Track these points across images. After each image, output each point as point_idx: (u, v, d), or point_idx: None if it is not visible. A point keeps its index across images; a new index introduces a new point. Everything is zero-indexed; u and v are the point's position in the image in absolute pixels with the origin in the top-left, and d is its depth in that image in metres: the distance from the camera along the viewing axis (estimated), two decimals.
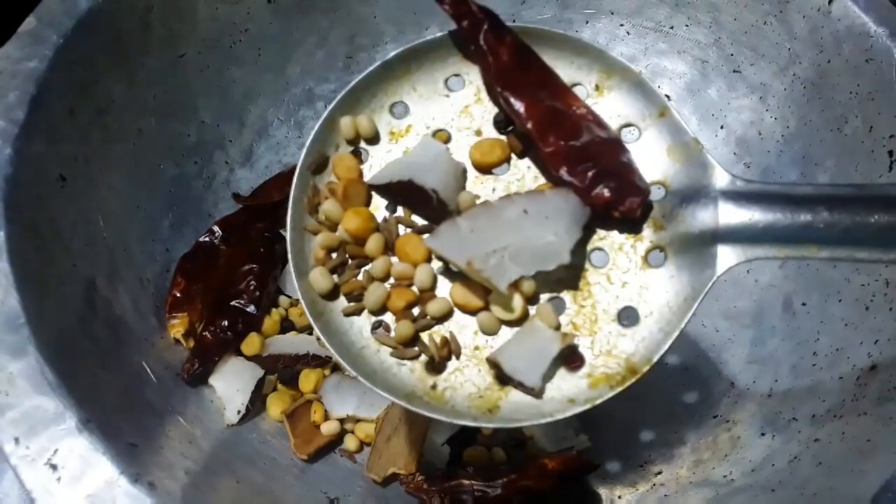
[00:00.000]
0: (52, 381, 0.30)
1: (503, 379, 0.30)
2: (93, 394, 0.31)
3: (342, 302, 0.31)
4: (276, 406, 0.40)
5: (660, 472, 0.40)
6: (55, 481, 0.28)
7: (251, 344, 0.41)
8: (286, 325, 0.43)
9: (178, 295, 0.41)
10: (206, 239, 0.43)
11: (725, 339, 0.44)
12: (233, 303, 0.41)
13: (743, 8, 0.48)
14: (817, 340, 0.41)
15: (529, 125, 0.31)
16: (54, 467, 0.29)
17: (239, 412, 0.39)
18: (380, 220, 0.32)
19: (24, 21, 0.39)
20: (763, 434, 0.39)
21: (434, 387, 0.30)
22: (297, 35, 0.50)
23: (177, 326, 0.40)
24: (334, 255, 0.31)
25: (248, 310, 0.41)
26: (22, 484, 0.28)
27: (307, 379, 0.41)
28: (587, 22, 0.52)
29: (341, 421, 0.40)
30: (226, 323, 0.40)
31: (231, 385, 0.40)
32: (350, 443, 0.40)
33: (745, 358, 0.43)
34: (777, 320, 0.43)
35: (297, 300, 0.44)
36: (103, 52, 0.41)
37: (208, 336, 0.40)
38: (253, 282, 0.42)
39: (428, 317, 0.30)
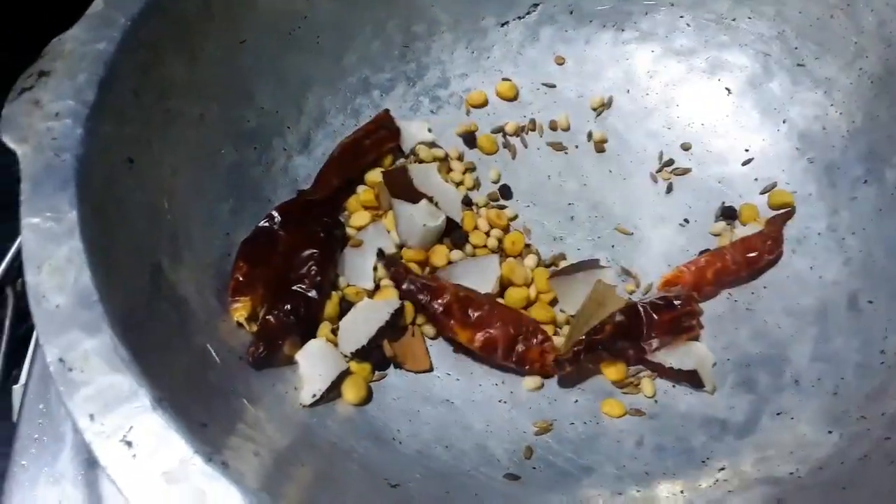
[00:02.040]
0: (126, 359, 0.30)
1: None
2: (163, 373, 0.31)
3: None
4: (351, 391, 0.40)
5: (723, 468, 0.39)
6: (131, 458, 0.28)
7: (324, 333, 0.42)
8: (344, 307, 0.43)
9: (241, 279, 0.41)
10: (266, 224, 0.43)
11: (788, 335, 0.43)
12: (294, 287, 0.41)
13: (808, 1, 0.47)
14: (885, 339, 0.40)
15: None
16: (129, 444, 0.29)
17: (314, 395, 0.39)
18: None
19: (92, 3, 0.39)
20: (830, 432, 0.38)
21: None
22: (355, 23, 0.50)
23: (239, 310, 0.40)
24: None
25: (309, 295, 0.41)
26: (97, 460, 0.28)
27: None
28: (646, 13, 0.52)
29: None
30: (288, 307, 0.40)
31: (315, 367, 0.40)
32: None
33: (809, 355, 0.42)
34: (842, 318, 0.43)
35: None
36: (168, 36, 0.41)
37: (272, 320, 0.40)
38: (314, 267, 0.42)
39: None
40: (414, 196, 0.46)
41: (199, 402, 0.33)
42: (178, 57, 0.42)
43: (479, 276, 0.44)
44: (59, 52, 0.38)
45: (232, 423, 0.34)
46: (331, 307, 0.43)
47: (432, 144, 0.51)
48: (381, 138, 0.49)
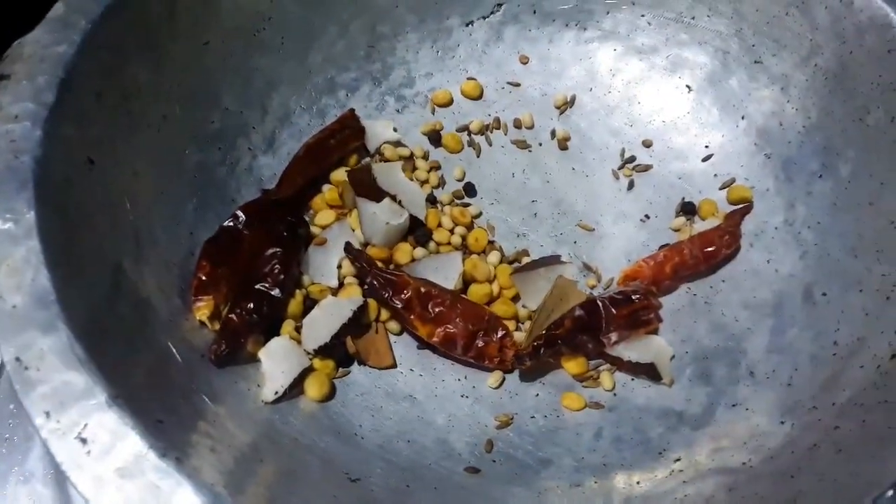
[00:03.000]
0: (82, 357, 0.30)
1: None
2: (121, 371, 0.32)
3: None
4: (314, 388, 0.41)
5: (678, 459, 0.40)
6: (85, 454, 0.29)
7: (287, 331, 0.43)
8: (309, 304, 0.44)
9: (204, 278, 0.41)
10: (230, 223, 0.44)
11: (745, 328, 0.44)
12: (257, 286, 0.41)
13: None
14: (837, 330, 0.41)
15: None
16: (84, 441, 0.29)
17: (276, 392, 0.39)
18: None
19: (53, 6, 0.39)
20: (782, 422, 0.39)
21: None
22: (320, 24, 0.51)
23: (202, 309, 0.40)
24: None
25: (272, 293, 0.41)
26: (52, 457, 0.29)
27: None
28: (608, 12, 0.53)
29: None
30: (251, 305, 0.41)
31: (278, 364, 0.40)
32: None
33: (764, 347, 0.43)
34: (797, 310, 0.43)
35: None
36: (130, 39, 0.41)
37: (234, 318, 0.40)
38: (277, 265, 0.42)
39: None
40: (378, 195, 0.46)
41: (158, 400, 0.33)
42: (141, 59, 0.42)
43: (442, 273, 0.45)
44: (19, 56, 0.38)
45: (191, 420, 0.34)
46: (294, 305, 0.43)
47: (397, 143, 0.51)
48: (346, 138, 0.49)
